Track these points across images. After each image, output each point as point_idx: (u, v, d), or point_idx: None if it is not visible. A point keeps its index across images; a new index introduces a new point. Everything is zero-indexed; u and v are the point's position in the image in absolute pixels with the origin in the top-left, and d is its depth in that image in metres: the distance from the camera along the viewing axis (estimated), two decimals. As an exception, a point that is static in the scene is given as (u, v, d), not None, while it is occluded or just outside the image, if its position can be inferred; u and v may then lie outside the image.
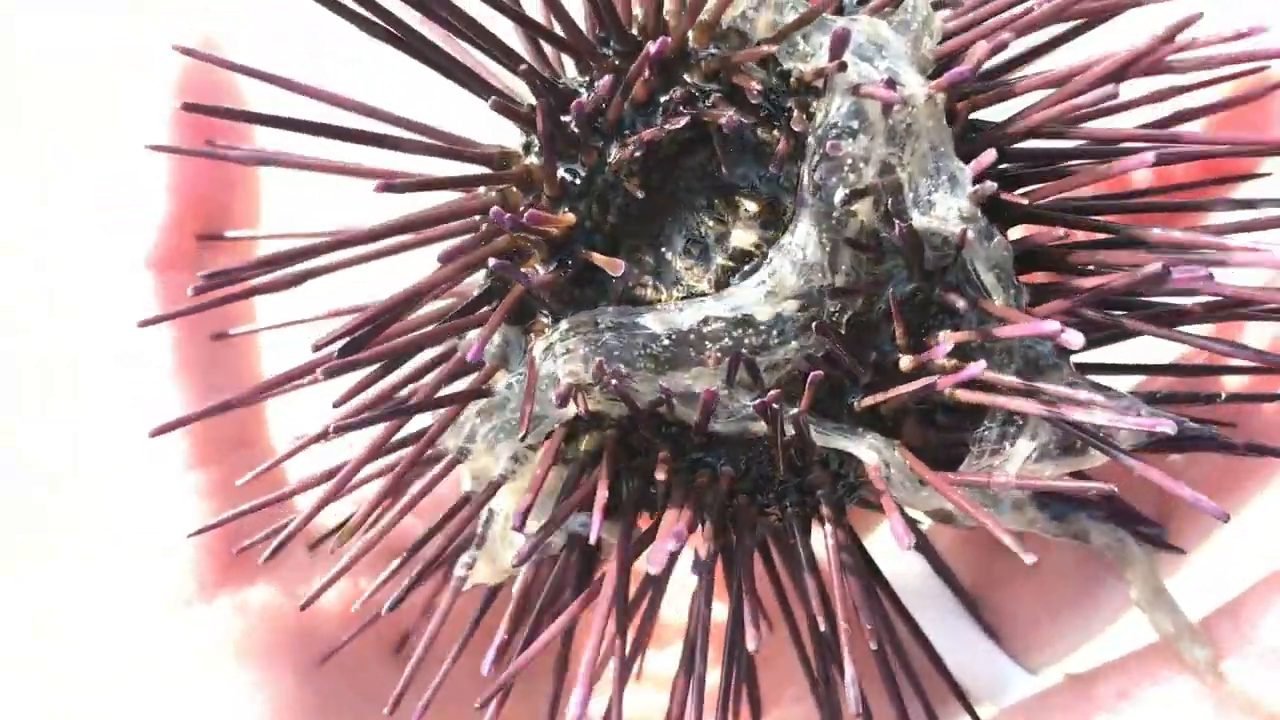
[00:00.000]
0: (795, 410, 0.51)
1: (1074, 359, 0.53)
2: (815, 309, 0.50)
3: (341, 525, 0.56)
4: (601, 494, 0.50)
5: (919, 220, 0.50)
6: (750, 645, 0.48)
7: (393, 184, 0.49)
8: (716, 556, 0.52)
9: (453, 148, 0.53)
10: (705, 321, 0.50)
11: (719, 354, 0.50)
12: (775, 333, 0.50)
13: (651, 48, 0.50)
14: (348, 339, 0.50)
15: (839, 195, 0.49)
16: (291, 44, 0.57)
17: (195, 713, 0.58)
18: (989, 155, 0.49)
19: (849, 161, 0.49)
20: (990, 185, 0.48)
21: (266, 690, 0.58)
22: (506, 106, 0.51)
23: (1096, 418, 0.47)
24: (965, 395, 0.50)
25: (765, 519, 0.55)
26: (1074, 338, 0.46)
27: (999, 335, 0.50)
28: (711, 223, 0.54)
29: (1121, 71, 0.49)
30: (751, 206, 0.53)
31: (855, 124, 0.49)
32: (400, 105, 0.55)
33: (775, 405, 0.50)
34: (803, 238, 0.50)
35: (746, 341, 0.50)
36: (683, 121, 0.51)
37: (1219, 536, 0.61)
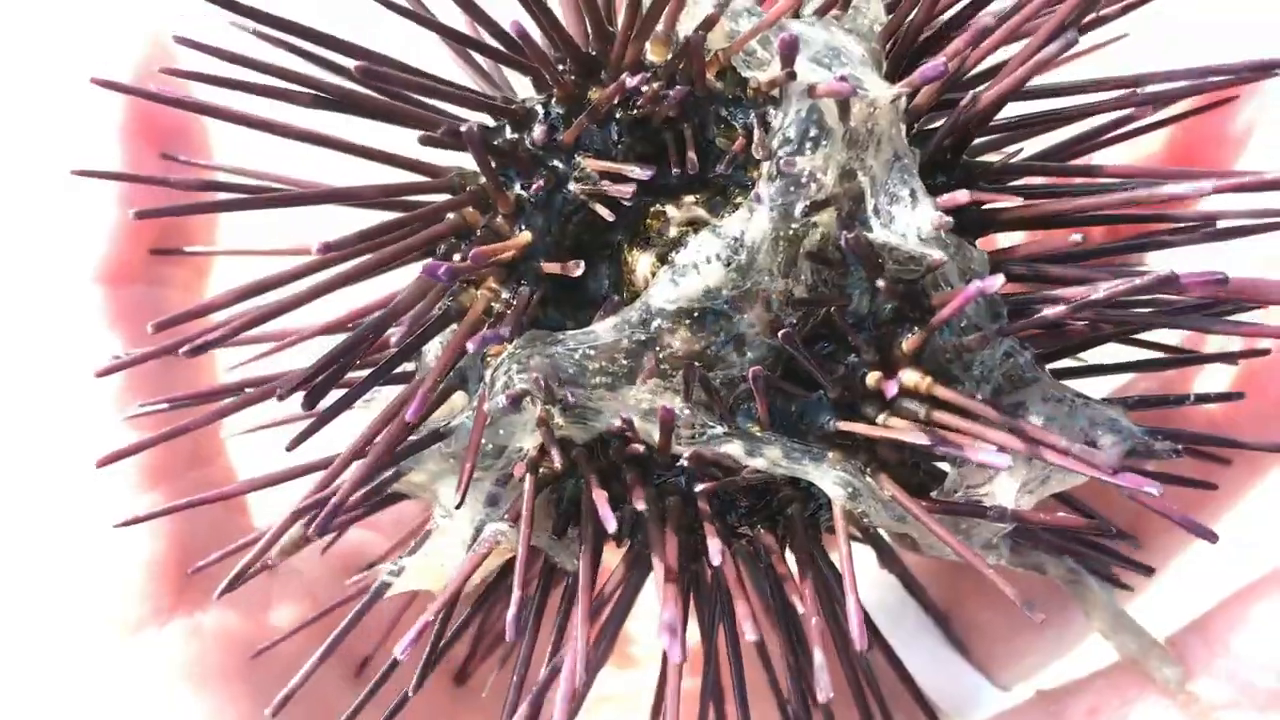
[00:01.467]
0: (758, 431, 0.50)
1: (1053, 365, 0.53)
2: (772, 318, 0.49)
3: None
4: (602, 501, 0.48)
5: (879, 233, 0.48)
6: (749, 635, 0.47)
7: (335, 242, 0.47)
8: (688, 590, 0.51)
9: (411, 166, 0.52)
10: (646, 321, 0.48)
11: (670, 365, 0.48)
12: (731, 344, 0.49)
13: (629, 81, 0.49)
14: (310, 383, 0.49)
15: (799, 208, 0.48)
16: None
17: None
18: (961, 195, 0.47)
19: (805, 175, 0.48)
20: (948, 220, 0.47)
21: (221, 716, 0.56)
22: (432, 139, 0.49)
23: (1069, 462, 0.46)
24: (945, 419, 0.49)
25: (736, 540, 0.54)
26: (992, 282, 0.45)
27: (936, 322, 0.48)
28: (655, 224, 0.52)
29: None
30: (696, 197, 0.51)
31: (812, 131, 0.48)
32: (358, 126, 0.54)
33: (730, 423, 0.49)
34: (755, 233, 0.48)
35: (705, 350, 0.48)
36: (649, 174, 0.49)
37: (1189, 552, 0.60)
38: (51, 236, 0.58)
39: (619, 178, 0.50)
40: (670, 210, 0.52)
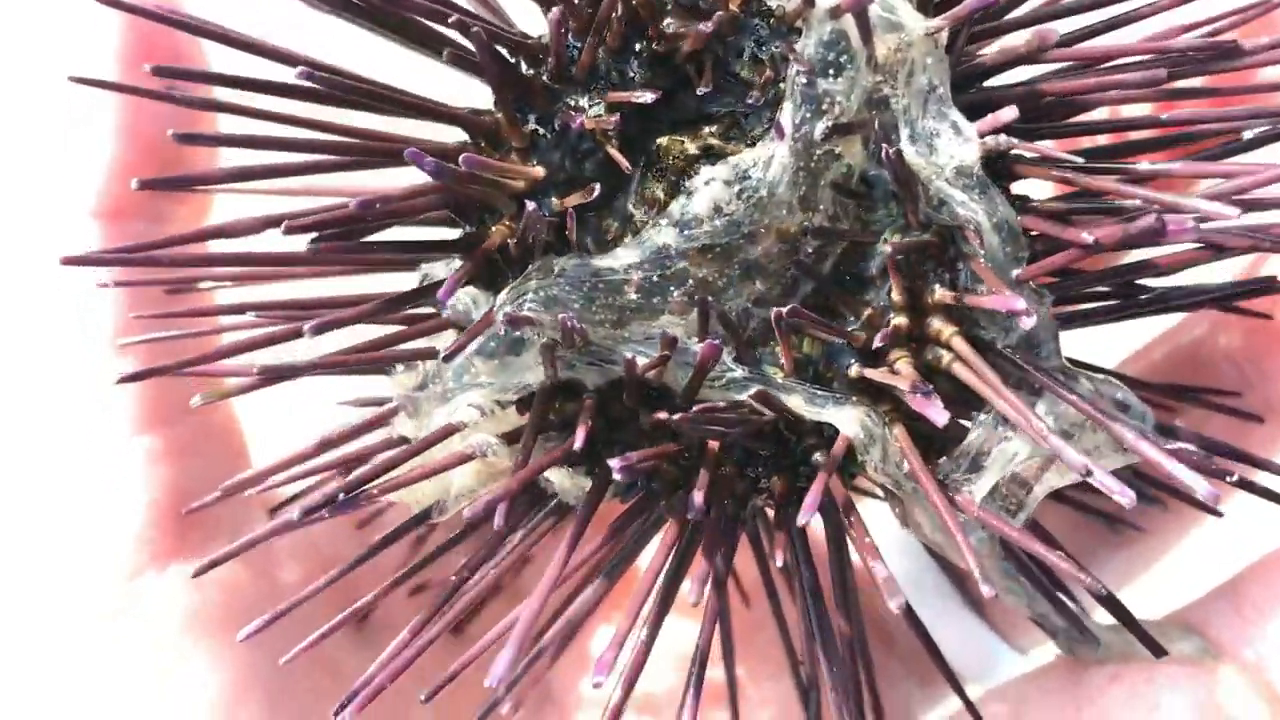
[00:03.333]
0: (780, 375, 0.49)
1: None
2: (788, 249, 0.47)
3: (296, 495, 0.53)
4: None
5: (913, 158, 0.46)
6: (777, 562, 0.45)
7: (369, 200, 0.46)
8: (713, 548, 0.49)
9: (421, 104, 0.50)
10: (655, 257, 0.47)
11: (683, 300, 0.47)
12: (735, 270, 0.47)
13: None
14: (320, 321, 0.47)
15: (819, 129, 0.46)
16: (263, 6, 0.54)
17: (147, 692, 0.54)
18: (1009, 112, 0.44)
19: (828, 98, 0.46)
20: (999, 140, 0.45)
21: (223, 666, 0.55)
22: (460, 58, 0.48)
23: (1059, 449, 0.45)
24: (963, 373, 0.48)
25: (757, 494, 0.52)
26: (1027, 322, 0.44)
27: (971, 304, 0.47)
28: (673, 147, 0.50)
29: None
30: (714, 128, 0.50)
31: (834, 55, 0.46)
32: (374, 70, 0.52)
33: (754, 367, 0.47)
34: (776, 167, 0.46)
35: (708, 280, 0.47)
36: (654, 97, 0.47)
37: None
38: (48, 170, 0.56)
39: (622, 107, 0.48)
40: (680, 141, 0.50)
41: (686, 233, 0.47)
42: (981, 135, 0.45)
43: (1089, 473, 0.44)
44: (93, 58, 0.53)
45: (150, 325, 0.54)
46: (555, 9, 0.47)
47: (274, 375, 0.46)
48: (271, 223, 0.48)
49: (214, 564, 0.51)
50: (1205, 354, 0.60)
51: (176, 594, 0.55)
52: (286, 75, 0.48)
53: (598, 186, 0.48)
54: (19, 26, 0.57)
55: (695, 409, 0.46)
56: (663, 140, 0.50)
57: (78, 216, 0.55)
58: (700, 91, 0.49)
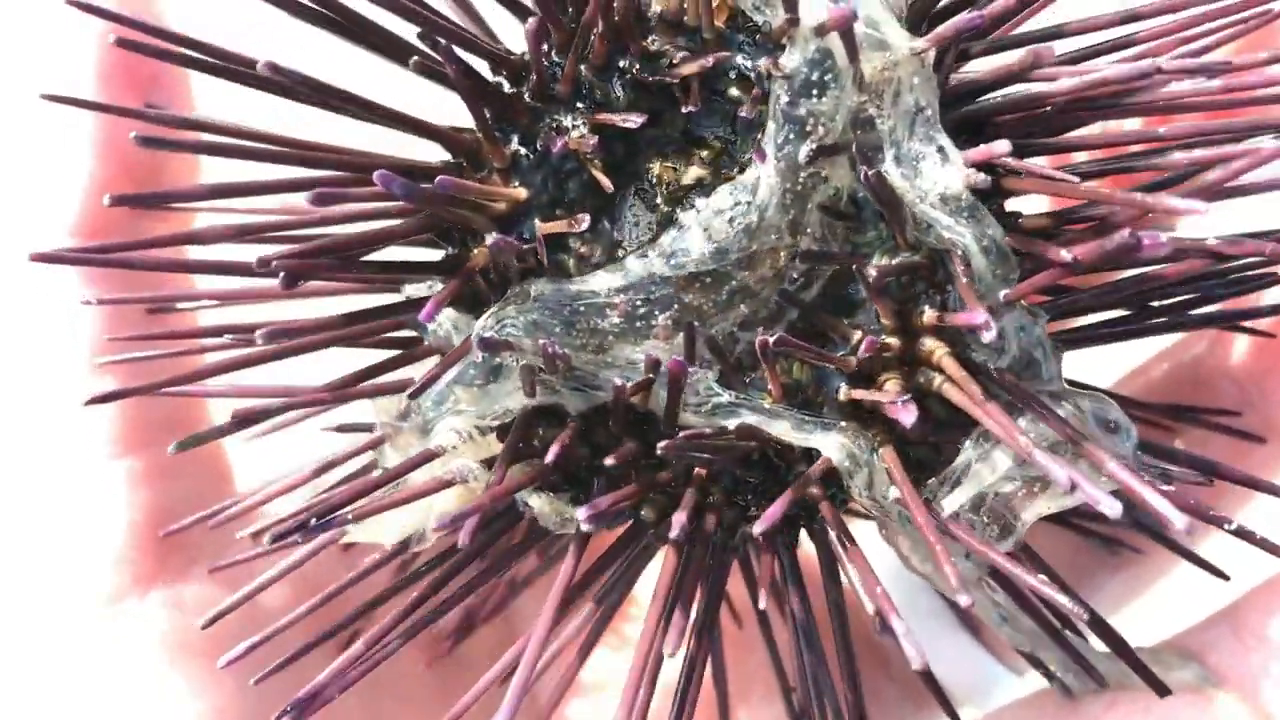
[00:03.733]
0: (768, 401, 0.48)
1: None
2: (775, 274, 0.46)
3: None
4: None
5: (898, 181, 0.45)
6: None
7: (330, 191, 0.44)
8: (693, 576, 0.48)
9: (400, 115, 0.49)
10: (641, 282, 0.46)
11: (668, 325, 0.46)
12: (722, 295, 0.46)
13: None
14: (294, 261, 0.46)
15: (803, 151, 0.45)
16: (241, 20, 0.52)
17: (127, 718, 0.53)
18: (1002, 145, 0.43)
19: (812, 119, 0.45)
20: (984, 178, 0.44)
21: (205, 693, 0.54)
22: (428, 67, 0.46)
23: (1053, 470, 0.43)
24: (953, 394, 0.47)
25: (747, 522, 0.50)
26: (988, 335, 0.43)
27: (947, 322, 0.46)
28: (660, 170, 0.49)
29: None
30: (705, 154, 0.48)
31: (819, 74, 0.44)
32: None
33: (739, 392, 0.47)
34: (764, 191, 0.45)
35: (694, 305, 0.46)
36: (640, 121, 0.46)
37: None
38: (26, 187, 0.55)
39: (605, 130, 0.47)
40: (673, 169, 0.49)
41: (674, 261, 0.46)
42: (970, 164, 0.44)
43: (1074, 487, 0.42)
44: (70, 75, 0.52)
45: (129, 346, 0.54)
46: (532, 20, 0.46)
47: (249, 419, 0.45)
48: (246, 231, 0.47)
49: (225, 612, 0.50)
50: (1206, 372, 0.58)
51: (157, 618, 0.54)
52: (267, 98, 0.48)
53: (587, 218, 0.47)
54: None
55: (680, 435, 0.45)
56: (654, 167, 0.49)
57: (56, 235, 0.54)
58: (686, 110, 0.48)
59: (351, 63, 0.50)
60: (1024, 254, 0.48)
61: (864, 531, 0.52)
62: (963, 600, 0.44)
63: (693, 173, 0.49)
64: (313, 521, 0.46)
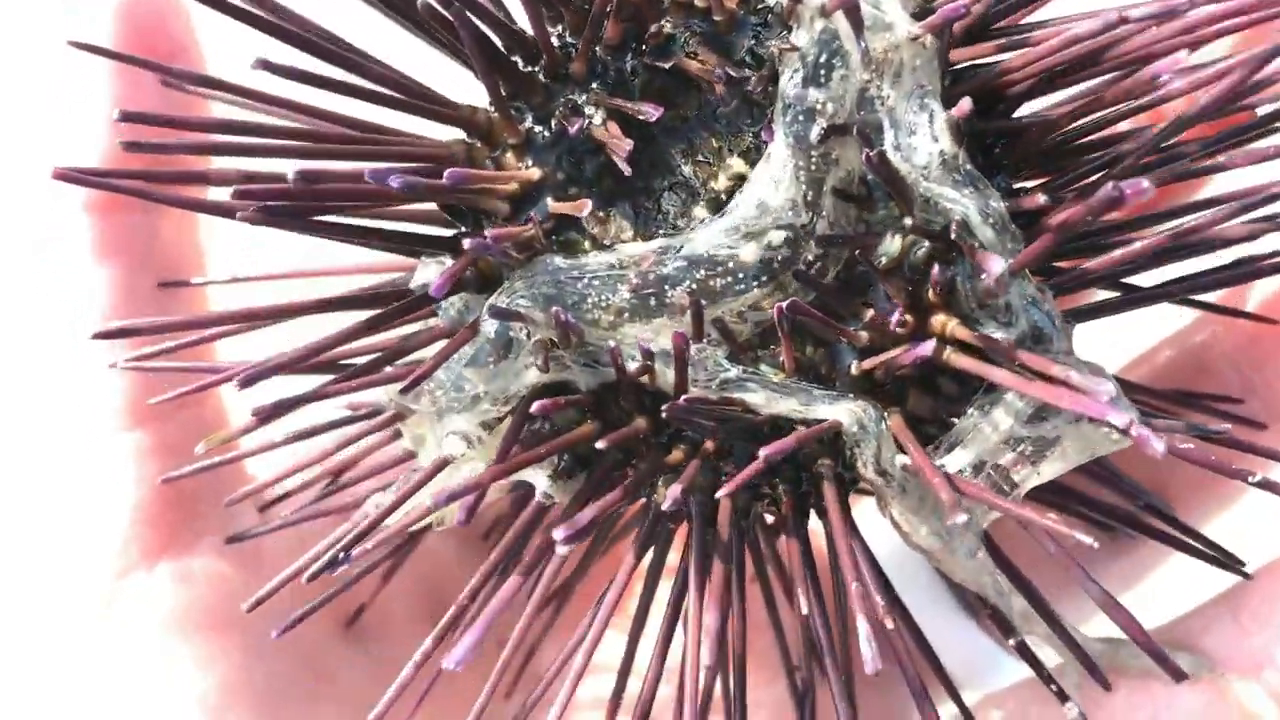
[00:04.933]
0: (778, 376, 0.48)
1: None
2: (790, 254, 0.46)
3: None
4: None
5: (899, 162, 0.45)
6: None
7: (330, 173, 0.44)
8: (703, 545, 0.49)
9: (413, 100, 0.49)
10: (659, 263, 0.46)
11: (682, 301, 0.46)
12: (737, 275, 0.46)
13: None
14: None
15: (814, 131, 0.45)
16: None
17: (135, 692, 0.53)
18: (965, 103, 0.44)
19: (820, 99, 0.45)
20: (965, 103, 0.44)
21: (212, 667, 0.53)
22: (443, 39, 0.46)
23: (1088, 408, 0.44)
24: (960, 361, 0.47)
25: (758, 501, 0.51)
26: (996, 266, 0.43)
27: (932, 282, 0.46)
28: (693, 168, 0.49)
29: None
30: (734, 148, 0.49)
31: (827, 56, 0.45)
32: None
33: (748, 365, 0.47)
34: (775, 173, 0.46)
35: (707, 283, 0.46)
36: (658, 114, 0.46)
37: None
38: (40, 161, 0.55)
39: (625, 117, 0.47)
40: (709, 165, 0.49)
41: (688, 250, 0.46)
42: (952, 119, 0.44)
43: (1130, 424, 0.41)
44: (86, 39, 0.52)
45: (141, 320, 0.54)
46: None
47: (271, 413, 0.45)
48: (253, 178, 0.47)
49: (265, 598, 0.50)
50: (1209, 359, 0.59)
51: (165, 593, 0.54)
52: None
53: (589, 203, 0.47)
54: (12, 19, 0.56)
55: (683, 399, 0.45)
56: (686, 166, 0.49)
57: (71, 210, 0.54)
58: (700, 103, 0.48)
59: (362, 33, 0.50)
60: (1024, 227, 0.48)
61: (868, 513, 0.52)
62: (960, 518, 0.43)
63: (729, 176, 0.49)
64: (340, 555, 0.46)
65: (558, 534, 0.43)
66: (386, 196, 0.46)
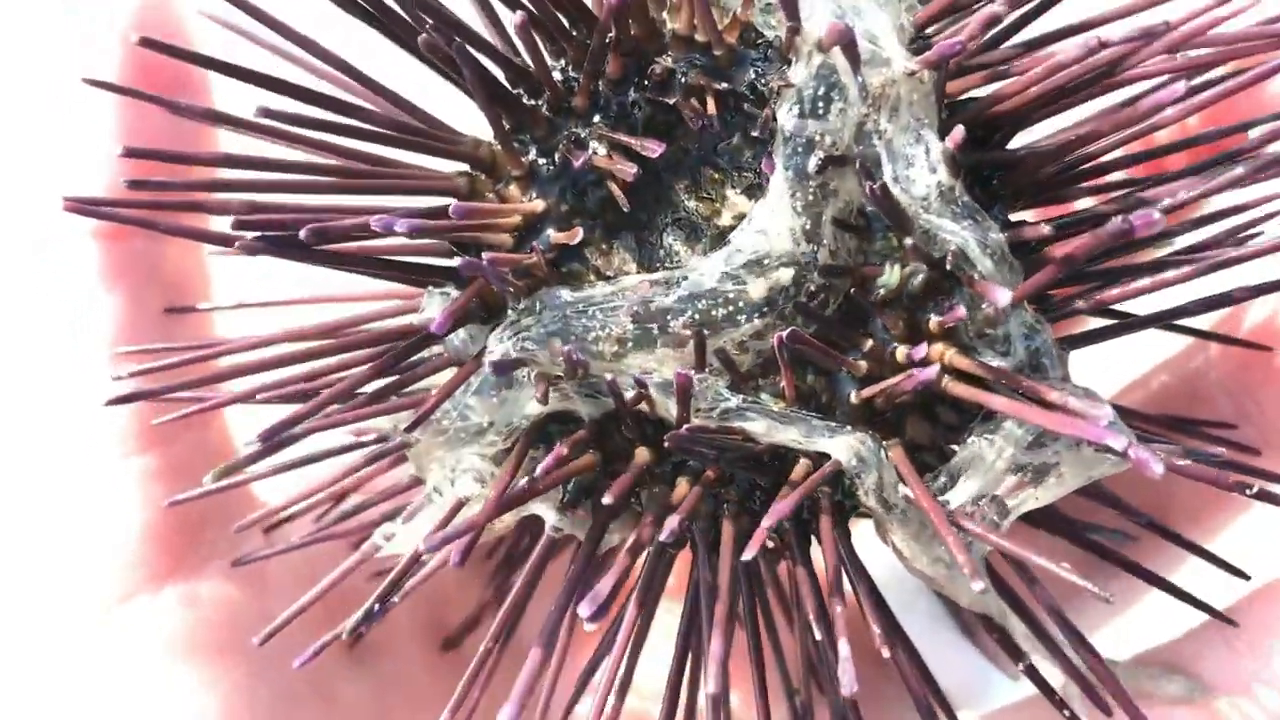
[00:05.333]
0: (778, 405, 0.49)
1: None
2: (793, 287, 0.47)
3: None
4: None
5: (899, 195, 0.45)
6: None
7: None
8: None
9: (419, 139, 0.49)
10: (663, 294, 0.46)
11: (684, 331, 0.46)
12: (739, 306, 0.46)
13: None
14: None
15: (812, 163, 0.45)
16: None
17: (136, 714, 0.53)
18: (958, 131, 0.45)
19: (819, 131, 0.45)
20: (958, 131, 0.45)
21: (217, 688, 0.54)
22: (447, 69, 0.46)
23: (1087, 432, 0.44)
24: (959, 390, 0.48)
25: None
26: (1002, 297, 0.43)
27: (948, 320, 0.46)
28: (696, 203, 0.50)
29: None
30: (737, 184, 0.49)
31: (825, 89, 0.45)
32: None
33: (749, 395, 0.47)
34: (774, 205, 0.46)
35: (709, 315, 0.46)
36: (659, 150, 0.47)
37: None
38: (47, 189, 0.55)
39: (628, 151, 0.47)
40: (711, 200, 0.50)
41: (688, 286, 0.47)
42: (948, 151, 0.45)
43: (1129, 447, 0.42)
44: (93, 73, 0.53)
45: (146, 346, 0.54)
46: (518, 15, 0.46)
47: (275, 443, 0.45)
48: (257, 208, 0.47)
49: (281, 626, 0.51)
50: (1203, 386, 0.59)
51: (169, 616, 0.54)
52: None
53: (580, 231, 0.48)
54: (16, 46, 0.56)
55: (684, 429, 0.46)
56: (690, 201, 0.50)
57: (77, 236, 0.54)
58: (700, 127, 0.48)
59: (374, 55, 0.51)
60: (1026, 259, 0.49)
61: (867, 535, 0.53)
62: (978, 586, 0.44)
63: (733, 214, 0.49)
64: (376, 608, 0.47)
65: (583, 610, 0.43)
66: (393, 238, 0.46)
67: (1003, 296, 0.44)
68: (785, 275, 0.46)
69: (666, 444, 0.46)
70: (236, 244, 0.44)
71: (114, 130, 0.53)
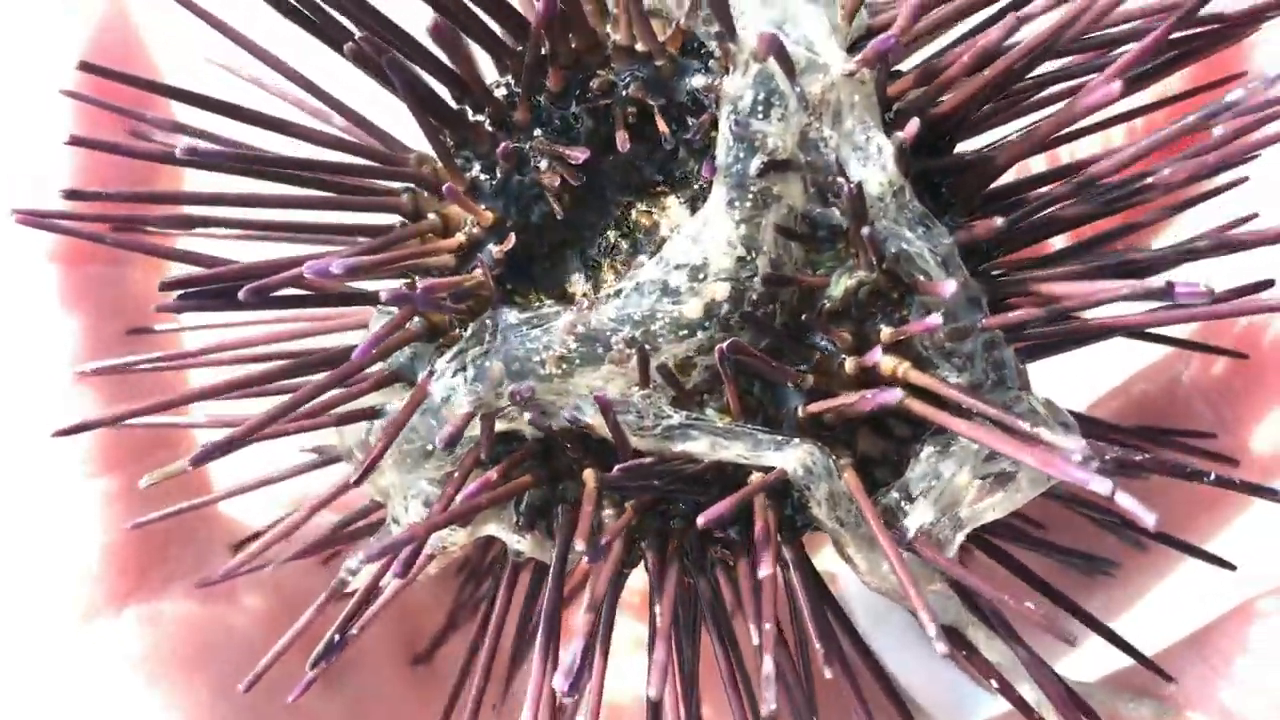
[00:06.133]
0: (721, 422, 0.48)
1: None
2: (729, 303, 0.45)
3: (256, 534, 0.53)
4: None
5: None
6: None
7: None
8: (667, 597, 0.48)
9: (362, 161, 0.49)
10: (603, 307, 0.45)
11: (625, 348, 0.45)
12: (674, 319, 0.45)
13: (540, 3, 0.43)
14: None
15: (754, 165, 0.44)
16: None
17: None
18: (912, 125, 0.44)
19: (759, 136, 0.44)
20: (913, 124, 0.44)
21: (181, 708, 0.53)
22: (364, 56, 0.45)
23: (1029, 459, 0.42)
24: (919, 408, 0.47)
25: (712, 544, 0.50)
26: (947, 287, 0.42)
27: (913, 330, 0.45)
28: (638, 216, 0.49)
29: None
30: (676, 198, 0.49)
31: (765, 95, 0.44)
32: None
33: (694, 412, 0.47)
34: (709, 213, 0.45)
35: (648, 330, 0.45)
36: (584, 156, 0.47)
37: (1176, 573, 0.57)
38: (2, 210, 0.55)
39: (562, 160, 0.47)
40: (649, 213, 0.49)
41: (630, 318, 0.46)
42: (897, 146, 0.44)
43: (1113, 493, 0.39)
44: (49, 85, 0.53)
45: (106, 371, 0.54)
46: (432, 19, 0.44)
47: (215, 451, 0.45)
48: (196, 222, 0.48)
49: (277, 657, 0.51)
50: (1181, 394, 0.57)
51: (131, 636, 0.54)
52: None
53: (513, 236, 0.47)
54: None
55: (616, 470, 0.44)
56: (633, 214, 0.49)
57: (35, 259, 0.54)
58: (623, 148, 0.48)
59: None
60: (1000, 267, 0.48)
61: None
62: (937, 642, 0.43)
63: (669, 216, 0.49)
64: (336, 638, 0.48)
65: (558, 683, 0.42)
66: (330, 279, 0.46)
67: (948, 287, 0.43)
68: (720, 290, 0.45)
69: (604, 487, 0.45)
70: (159, 306, 0.45)
71: (66, 153, 0.53)
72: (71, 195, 0.46)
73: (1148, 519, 0.38)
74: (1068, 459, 0.40)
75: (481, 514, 0.48)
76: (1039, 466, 0.40)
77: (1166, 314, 0.46)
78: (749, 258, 0.45)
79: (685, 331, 0.46)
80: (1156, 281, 0.41)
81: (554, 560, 0.47)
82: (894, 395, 0.44)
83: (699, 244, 0.45)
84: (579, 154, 0.46)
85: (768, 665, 0.41)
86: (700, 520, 0.43)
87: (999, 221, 0.45)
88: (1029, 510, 0.50)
